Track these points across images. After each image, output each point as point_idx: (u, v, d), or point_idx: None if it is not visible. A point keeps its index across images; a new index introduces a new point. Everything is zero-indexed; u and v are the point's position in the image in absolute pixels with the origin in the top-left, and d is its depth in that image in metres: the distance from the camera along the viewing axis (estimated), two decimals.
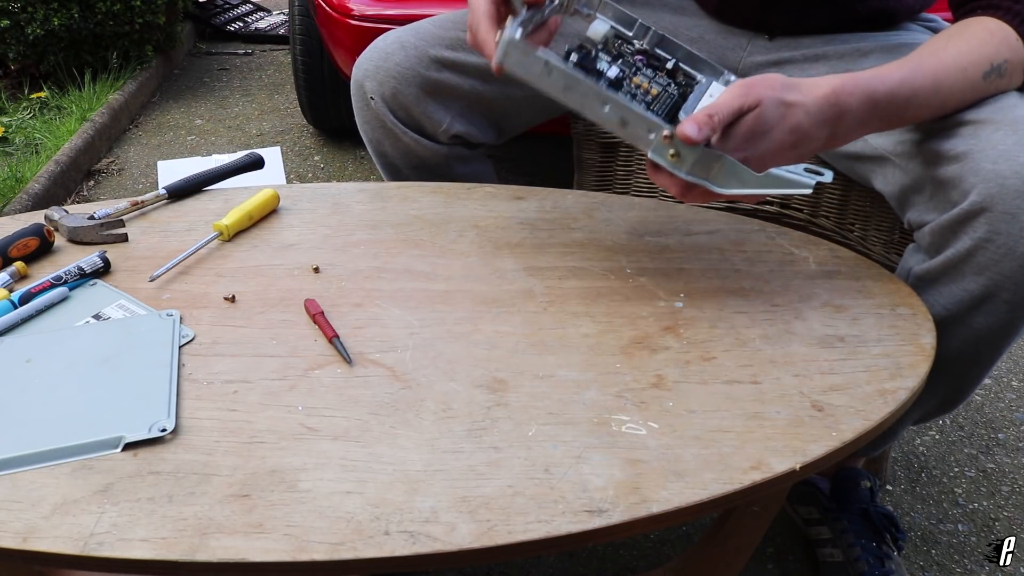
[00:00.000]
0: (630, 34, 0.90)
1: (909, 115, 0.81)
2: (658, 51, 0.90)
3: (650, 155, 0.75)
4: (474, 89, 1.06)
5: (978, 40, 0.81)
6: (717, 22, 1.08)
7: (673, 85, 0.85)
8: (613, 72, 0.83)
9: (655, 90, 0.83)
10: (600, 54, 0.85)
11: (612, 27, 0.89)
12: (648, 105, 0.81)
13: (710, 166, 0.74)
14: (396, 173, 1.11)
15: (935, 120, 0.83)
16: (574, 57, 0.81)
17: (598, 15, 0.90)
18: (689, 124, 0.72)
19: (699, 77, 0.88)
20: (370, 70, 1.03)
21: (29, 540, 0.57)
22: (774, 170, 0.76)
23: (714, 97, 0.82)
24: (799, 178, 0.77)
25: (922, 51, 0.82)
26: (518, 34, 0.76)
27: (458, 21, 1.05)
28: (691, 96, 0.84)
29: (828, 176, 0.79)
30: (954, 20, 0.87)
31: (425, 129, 1.06)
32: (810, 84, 0.76)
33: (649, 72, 0.86)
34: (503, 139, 1.15)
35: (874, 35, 1.01)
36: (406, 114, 1.04)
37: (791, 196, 0.77)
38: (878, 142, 0.91)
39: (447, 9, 1.09)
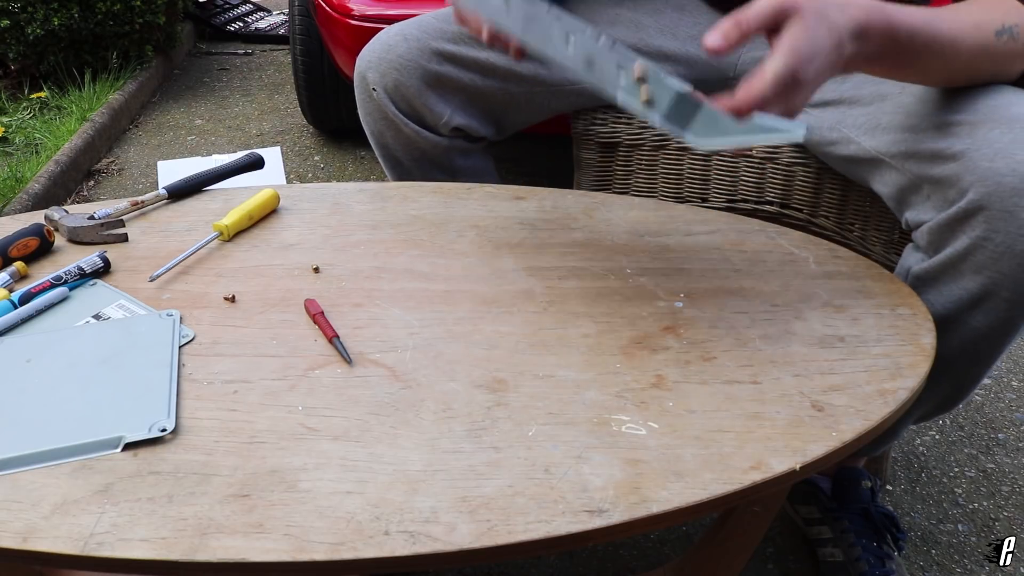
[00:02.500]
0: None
1: (921, 62, 0.78)
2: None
3: (619, 98, 0.66)
4: (474, 83, 1.06)
5: (987, 4, 0.79)
6: (719, 15, 1.08)
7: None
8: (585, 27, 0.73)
9: (645, 67, 0.73)
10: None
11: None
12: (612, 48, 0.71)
13: (688, 114, 0.65)
14: (397, 165, 1.11)
15: (933, 114, 0.82)
16: None
17: None
18: (713, 34, 0.65)
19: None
20: (373, 61, 1.04)
21: (29, 540, 0.57)
22: (757, 118, 0.67)
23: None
24: (786, 124, 0.68)
25: (936, 8, 0.79)
26: None
27: None
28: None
29: (807, 130, 0.69)
30: None
31: (426, 121, 1.06)
32: (840, 2, 0.71)
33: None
34: (503, 135, 1.15)
35: None
36: (407, 105, 1.05)
37: (779, 147, 0.68)
38: (871, 144, 0.91)
39: (449, 6, 1.09)
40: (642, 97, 0.65)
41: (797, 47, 0.69)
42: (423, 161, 1.09)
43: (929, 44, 0.76)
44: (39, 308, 0.80)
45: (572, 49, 0.67)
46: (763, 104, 0.68)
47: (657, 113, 0.65)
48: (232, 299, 0.82)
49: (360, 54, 1.06)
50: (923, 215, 0.83)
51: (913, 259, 0.87)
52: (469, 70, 1.05)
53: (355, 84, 1.08)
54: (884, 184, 0.91)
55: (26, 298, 0.80)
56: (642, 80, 0.64)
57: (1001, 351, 0.86)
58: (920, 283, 0.85)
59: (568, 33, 0.66)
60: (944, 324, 0.82)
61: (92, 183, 2.32)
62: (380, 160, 1.13)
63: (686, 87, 0.65)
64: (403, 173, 1.12)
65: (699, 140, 0.66)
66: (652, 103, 0.65)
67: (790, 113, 0.72)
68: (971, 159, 0.77)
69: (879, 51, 0.74)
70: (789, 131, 0.68)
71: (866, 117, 0.92)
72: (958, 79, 0.81)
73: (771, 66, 0.68)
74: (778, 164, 1.07)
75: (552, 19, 0.68)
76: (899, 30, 0.74)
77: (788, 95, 0.69)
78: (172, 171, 1.89)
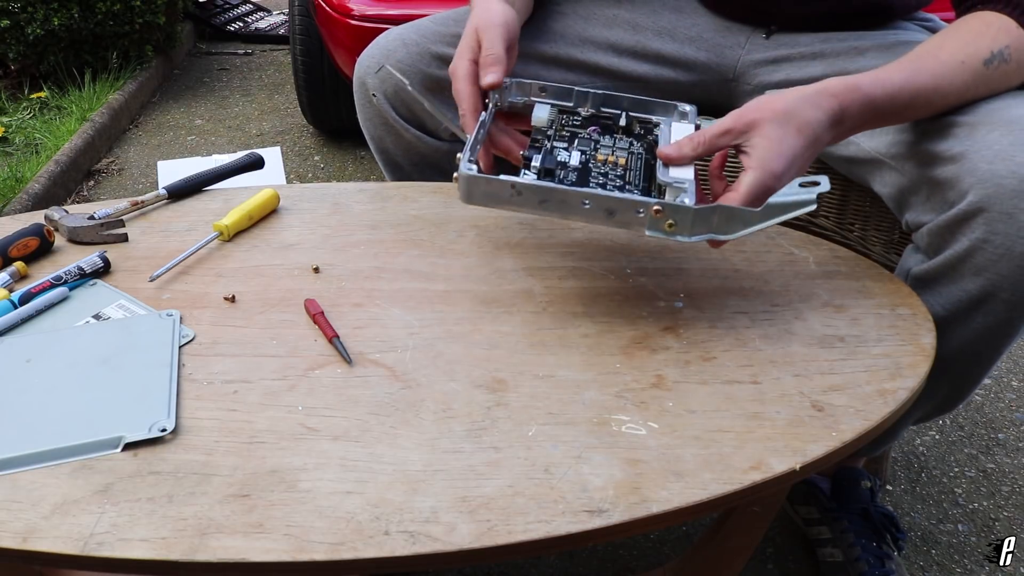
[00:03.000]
0: (571, 105, 0.90)
1: (909, 115, 0.82)
2: (604, 111, 0.90)
3: (648, 234, 0.73)
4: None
5: (974, 32, 0.81)
6: (716, 18, 1.08)
7: (636, 144, 0.84)
8: (575, 159, 0.81)
9: (623, 159, 0.82)
10: (555, 144, 0.84)
11: (552, 106, 0.89)
12: (623, 179, 0.79)
13: (709, 219, 0.72)
14: (398, 170, 1.11)
15: (934, 118, 0.83)
16: (536, 163, 0.79)
17: (536, 100, 0.90)
18: (670, 146, 0.72)
19: (654, 119, 0.89)
20: (372, 67, 1.04)
21: (29, 540, 0.57)
22: (772, 198, 0.74)
23: (676, 136, 0.82)
24: (799, 197, 0.75)
25: (920, 51, 0.82)
26: (473, 169, 0.74)
27: (459, 19, 1.06)
28: (660, 146, 0.82)
29: (825, 184, 0.78)
30: (956, 18, 0.87)
31: (426, 125, 1.06)
32: (811, 92, 0.76)
33: (608, 140, 0.85)
34: None
35: (871, 33, 1.01)
36: (407, 111, 1.05)
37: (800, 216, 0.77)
38: (871, 145, 0.91)
39: (448, 8, 1.09)
40: (666, 228, 0.72)
41: (764, 161, 0.73)
42: (423, 165, 1.09)
43: (912, 101, 0.79)
44: (39, 308, 0.80)
45: (591, 208, 0.73)
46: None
47: (683, 235, 0.72)
48: (232, 299, 0.82)
49: (359, 60, 1.06)
50: (923, 216, 0.84)
51: (913, 260, 0.87)
52: None
53: (354, 90, 1.08)
54: (884, 185, 0.91)
55: (26, 298, 0.80)
56: (659, 212, 0.71)
57: (1001, 352, 0.86)
58: (920, 284, 0.85)
59: (583, 200, 0.73)
60: (944, 326, 0.82)
61: (92, 183, 2.32)
62: (380, 164, 1.13)
63: (694, 203, 0.73)
64: (403, 177, 1.12)
65: (728, 236, 0.73)
66: (676, 226, 0.72)
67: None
68: (971, 161, 0.77)
69: (862, 123, 0.78)
70: (805, 206, 0.75)
71: None
72: (958, 104, 0.83)
73: (744, 182, 0.73)
74: None
75: (563, 191, 0.73)
76: (877, 100, 0.77)
77: (768, 197, 0.74)
78: (172, 171, 1.89)
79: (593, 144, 0.84)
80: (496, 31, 0.87)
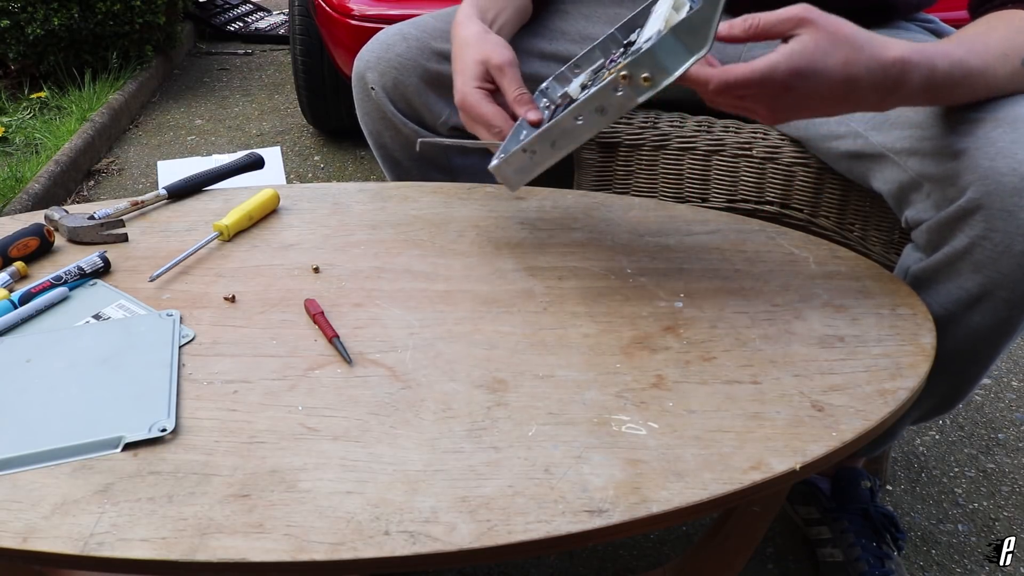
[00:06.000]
0: (603, 61, 0.90)
1: (955, 95, 0.79)
2: (625, 37, 0.89)
3: (640, 101, 0.70)
4: None
5: (1015, 28, 0.79)
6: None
7: (635, 44, 0.82)
8: (575, 88, 0.82)
9: (622, 64, 0.79)
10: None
11: (586, 74, 0.90)
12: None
13: (675, 48, 0.68)
14: (396, 165, 1.11)
15: (945, 111, 0.83)
16: (546, 114, 0.81)
17: (572, 77, 0.91)
18: (724, 24, 0.68)
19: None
20: (371, 61, 1.04)
21: (29, 540, 0.57)
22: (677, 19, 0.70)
23: (662, 11, 0.78)
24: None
25: (965, 35, 0.79)
26: (495, 162, 0.78)
27: None
28: (648, 23, 0.80)
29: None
30: (971, 18, 0.86)
31: (425, 120, 1.06)
32: (880, 42, 0.72)
33: (618, 57, 0.84)
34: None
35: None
36: (406, 105, 1.05)
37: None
38: (879, 139, 0.91)
39: (446, 7, 1.10)
40: (645, 83, 0.69)
41: (794, 54, 0.69)
42: (421, 161, 1.09)
43: (963, 80, 0.76)
44: (39, 308, 0.80)
45: (585, 119, 0.74)
46: (742, 91, 0.71)
47: (665, 77, 0.69)
48: (232, 299, 0.82)
49: (359, 54, 1.06)
50: (922, 214, 0.83)
51: (912, 259, 0.87)
52: None
53: (353, 84, 1.08)
54: (885, 181, 0.91)
55: (26, 298, 0.80)
56: (625, 76, 0.69)
57: (1000, 351, 0.86)
58: (918, 282, 0.85)
59: (575, 117, 0.74)
60: (942, 324, 0.82)
61: (92, 183, 2.32)
62: (379, 160, 1.13)
63: (652, 40, 0.70)
64: (401, 173, 1.12)
65: (706, 47, 0.69)
66: (651, 77, 0.69)
67: (772, 118, 0.74)
68: (972, 157, 0.77)
69: (919, 91, 0.74)
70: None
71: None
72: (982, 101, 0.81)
73: (762, 60, 0.70)
74: (778, 164, 1.07)
75: (556, 122, 0.76)
76: (938, 70, 0.74)
77: (772, 97, 0.71)
78: (172, 171, 1.89)
79: (605, 69, 0.84)
80: (514, 71, 0.88)
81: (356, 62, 1.06)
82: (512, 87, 0.87)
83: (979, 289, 0.79)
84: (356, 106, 1.09)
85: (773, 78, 0.69)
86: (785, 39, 0.71)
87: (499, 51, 0.89)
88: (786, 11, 0.71)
